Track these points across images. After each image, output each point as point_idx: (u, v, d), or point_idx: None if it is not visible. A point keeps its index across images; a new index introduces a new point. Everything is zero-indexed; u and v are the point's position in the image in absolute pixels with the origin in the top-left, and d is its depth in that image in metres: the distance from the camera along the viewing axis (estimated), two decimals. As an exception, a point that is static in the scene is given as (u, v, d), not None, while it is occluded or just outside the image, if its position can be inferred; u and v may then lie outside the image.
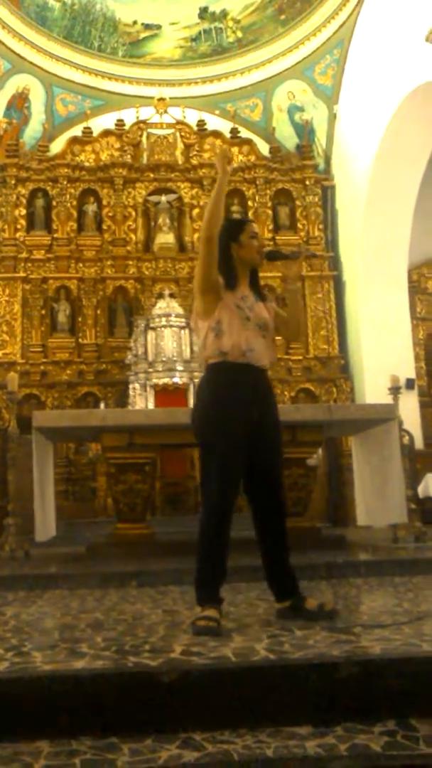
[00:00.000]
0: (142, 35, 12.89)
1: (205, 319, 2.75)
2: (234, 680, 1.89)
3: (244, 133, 12.86)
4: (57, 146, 12.45)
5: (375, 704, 1.86)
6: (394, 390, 5.74)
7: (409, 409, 9.47)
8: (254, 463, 2.69)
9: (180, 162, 12.52)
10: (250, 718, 1.83)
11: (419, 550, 4.87)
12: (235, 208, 12.48)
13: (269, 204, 12.46)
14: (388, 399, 5.82)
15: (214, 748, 1.69)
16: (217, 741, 1.74)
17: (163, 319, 11.30)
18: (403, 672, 1.92)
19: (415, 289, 11.64)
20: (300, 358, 11.88)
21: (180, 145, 12.64)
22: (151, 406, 10.79)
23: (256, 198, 12.46)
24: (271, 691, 1.87)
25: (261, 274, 3.03)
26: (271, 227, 12.37)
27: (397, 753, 1.64)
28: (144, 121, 12.65)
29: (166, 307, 11.46)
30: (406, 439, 5.88)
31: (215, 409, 2.66)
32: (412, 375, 10.44)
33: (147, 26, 12.79)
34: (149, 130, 12.63)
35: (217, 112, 12.93)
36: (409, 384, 9.97)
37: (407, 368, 10.21)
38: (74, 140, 12.48)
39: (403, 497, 5.04)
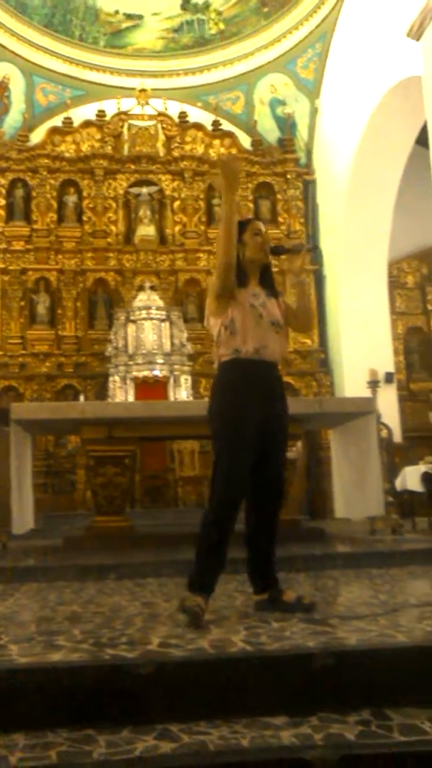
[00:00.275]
0: (124, 25, 12.80)
1: (218, 317, 2.78)
2: (210, 672, 1.90)
3: (226, 125, 12.83)
4: (37, 136, 12.34)
5: (350, 694, 1.88)
6: (373, 384, 5.78)
7: (388, 402, 9.54)
8: (261, 456, 2.72)
9: (161, 154, 12.47)
10: (226, 709, 1.84)
11: (396, 542, 4.92)
12: (216, 201, 12.47)
13: (250, 197, 12.46)
14: (367, 392, 5.86)
15: (191, 738, 1.70)
16: (194, 732, 1.74)
17: (144, 311, 11.26)
18: (378, 662, 1.94)
19: (394, 283, 11.73)
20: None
21: (161, 137, 12.58)
22: (131, 398, 10.77)
23: (238, 191, 12.43)
24: (247, 682, 1.88)
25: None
26: (252, 221, 12.36)
27: (371, 742, 1.65)
28: (125, 113, 12.57)
29: (147, 299, 11.42)
30: (384, 433, 5.93)
31: (229, 404, 2.70)
32: (391, 369, 10.52)
33: (129, 16, 12.69)
34: (130, 122, 12.55)
35: (198, 104, 12.88)
36: (388, 378, 10.05)
37: (386, 362, 10.28)
38: (54, 130, 12.38)
39: (380, 490, 5.08)
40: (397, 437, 9.23)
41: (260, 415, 2.68)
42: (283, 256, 2.89)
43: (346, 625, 2.29)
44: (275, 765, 1.57)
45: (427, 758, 1.57)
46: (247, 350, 2.71)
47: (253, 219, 3.05)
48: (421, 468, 6.49)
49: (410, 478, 6.58)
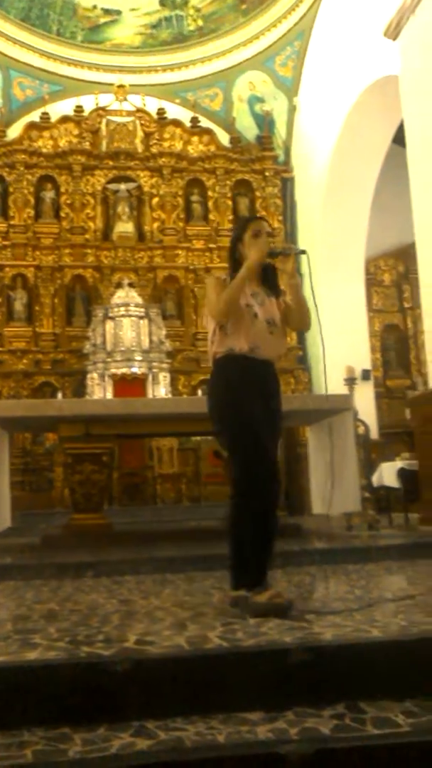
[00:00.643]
0: (102, 20, 12.72)
1: (211, 316, 2.82)
2: (187, 668, 1.90)
3: (204, 122, 12.82)
4: (14, 131, 12.23)
5: (325, 689, 1.90)
6: (350, 381, 5.82)
7: (365, 399, 9.62)
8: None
9: (140, 150, 12.43)
10: (202, 705, 1.84)
11: (372, 538, 4.96)
12: (194, 198, 12.46)
13: (229, 194, 12.47)
14: (344, 389, 5.90)
15: (167, 735, 1.71)
16: (170, 728, 1.75)
17: (122, 308, 11.23)
18: (353, 657, 1.96)
19: (371, 281, 11.81)
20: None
21: (140, 133, 12.54)
22: (109, 396, 10.73)
23: (216, 188, 12.45)
24: (223, 678, 1.89)
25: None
26: (230, 218, 12.38)
27: (346, 735, 1.67)
28: (103, 108, 12.51)
29: (125, 296, 11.39)
30: (361, 429, 5.98)
31: (230, 396, 2.71)
32: (368, 366, 10.59)
33: (107, 11, 12.61)
34: (108, 117, 12.49)
35: (177, 100, 12.86)
36: (365, 375, 10.12)
37: (363, 359, 10.36)
38: (32, 126, 12.28)
39: (357, 486, 5.12)
40: (374, 434, 9.30)
41: (259, 404, 2.70)
42: (275, 259, 2.86)
43: (322, 621, 2.31)
44: (251, 760, 1.58)
45: (399, 750, 1.59)
46: (242, 349, 2.73)
47: (256, 218, 3.02)
48: (398, 464, 6.55)
49: (387, 474, 6.64)
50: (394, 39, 6.78)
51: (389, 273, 12.27)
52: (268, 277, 2.90)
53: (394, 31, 6.73)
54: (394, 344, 12.13)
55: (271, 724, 1.76)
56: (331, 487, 5.07)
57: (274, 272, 2.93)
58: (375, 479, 6.69)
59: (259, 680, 1.90)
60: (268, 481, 2.62)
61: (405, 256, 11.65)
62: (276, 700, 1.86)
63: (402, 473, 6.33)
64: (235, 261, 2.85)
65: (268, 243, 2.83)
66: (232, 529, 2.64)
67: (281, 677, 1.91)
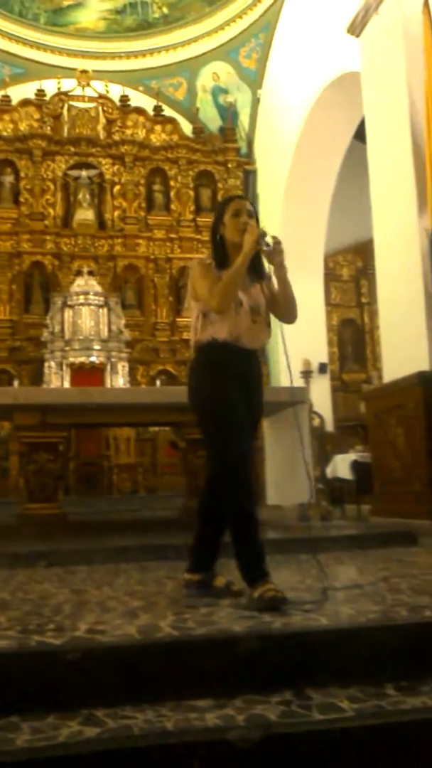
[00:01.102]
0: (66, 3, 12.52)
1: (198, 302, 2.71)
2: (137, 657, 1.92)
3: (168, 111, 12.76)
4: (-28, 113, 11.98)
5: (273, 676, 1.93)
6: (306, 374, 5.89)
7: (321, 392, 9.74)
8: None
9: (102, 137, 12.31)
10: (152, 693, 1.86)
11: (325, 528, 5.04)
12: (157, 187, 12.40)
13: (191, 185, 12.45)
14: (301, 382, 5.96)
15: (115, 723, 1.72)
16: (119, 716, 1.76)
17: (81, 296, 11.14)
18: (301, 645, 2.00)
19: (330, 276, 11.93)
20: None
21: (102, 120, 12.42)
22: (67, 385, 10.65)
23: (179, 178, 12.41)
24: (173, 666, 1.91)
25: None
26: (192, 208, 12.36)
27: (291, 721, 1.71)
28: (66, 93, 12.34)
29: (85, 284, 11.29)
30: (317, 421, 6.06)
31: (210, 381, 2.65)
32: (325, 360, 10.70)
33: (71, -6, 12.43)
34: (71, 103, 12.34)
35: (140, 88, 12.76)
36: (322, 368, 10.24)
37: (321, 353, 10.46)
38: (-9, 108, 12.06)
39: (311, 478, 5.19)
40: (329, 426, 9.43)
41: (241, 393, 2.65)
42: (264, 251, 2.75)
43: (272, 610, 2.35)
44: (198, 746, 1.60)
45: (342, 733, 1.64)
46: (224, 337, 2.66)
47: (236, 197, 2.88)
48: (351, 456, 6.67)
49: (341, 466, 6.75)
50: (357, 36, 6.84)
51: (348, 268, 12.42)
52: (253, 261, 2.74)
53: (357, 28, 6.78)
54: (350, 338, 12.30)
55: (219, 711, 1.78)
56: (286, 478, 5.13)
57: (259, 255, 2.77)
58: (329, 471, 6.79)
59: (208, 668, 1.93)
60: (241, 469, 2.56)
61: (363, 252, 11.81)
62: (225, 687, 1.89)
63: (355, 465, 6.44)
64: (217, 243, 2.75)
65: (253, 225, 2.67)
66: (199, 513, 2.66)
67: (230, 665, 1.94)
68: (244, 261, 2.62)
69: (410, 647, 2.02)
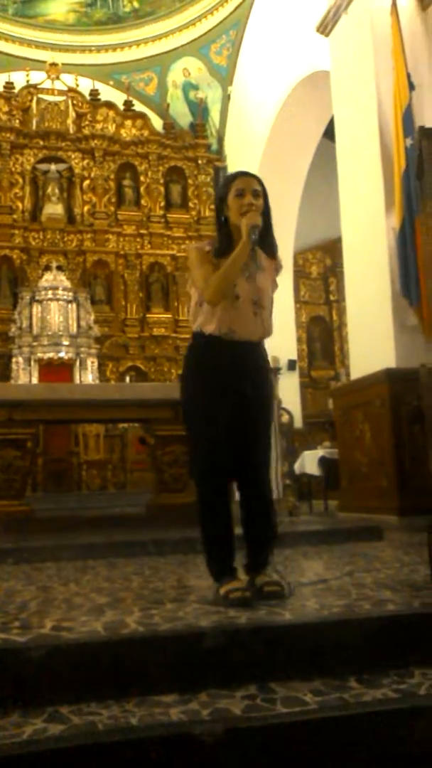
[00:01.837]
0: (35, -6, 12.37)
1: (199, 293, 2.54)
2: (102, 653, 1.92)
3: (138, 106, 12.70)
4: None
5: (239, 671, 1.95)
6: (275, 371, 5.92)
7: (290, 389, 9.79)
8: (236, 441, 2.50)
9: (71, 131, 12.21)
10: (118, 689, 1.87)
11: (292, 524, 5.08)
12: (127, 182, 12.34)
13: (161, 180, 12.41)
14: (269, 380, 5.99)
15: (80, 720, 1.72)
16: (84, 713, 1.77)
17: (50, 292, 11.05)
18: (266, 640, 2.02)
19: (299, 273, 12.00)
20: (188, 336, 11.97)
21: (72, 114, 12.31)
22: (35, 380, 10.56)
23: (149, 174, 12.36)
24: (138, 662, 1.92)
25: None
26: (162, 204, 12.33)
27: (256, 714, 1.73)
28: (35, 86, 12.21)
29: (53, 279, 11.21)
30: (285, 418, 6.10)
31: (193, 386, 2.54)
32: (294, 356, 10.77)
33: (40, -15, 12.29)
34: (40, 96, 12.21)
35: (111, 82, 12.68)
36: (291, 365, 10.29)
37: (290, 350, 10.52)
38: (-42, 99, 11.87)
39: (278, 473, 5.23)
40: (298, 422, 9.49)
41: (226, 393, 2.47)
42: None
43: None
44: (162, 741, 1.61)
45: (304, 726, 1.66)
46: (211, 330, 2.48)
47: (241, 174, 2.59)
48: (319, 452, 6.72)
49: (308, 462, 6.81)
50: (327, 35, 6.88)
51: (317, 266, 12.50)
52: (265, 236, 2.53)
53: (326, 27, 6.82)
54: (319, 335, 12.40)
55: (184, 705, 1.80)
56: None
57: (269, 231, 2.56)
58: (297, 467, 6.84)
59: (174, 664, 1.94)
60: (215, 473, 2.49)
61: (332, 249, 11.89)
62: (190, 682, 1.90)
63: (323, 461, 6.50)
64: (222, 230, 2.54)
65: (256, 207, 2.46)
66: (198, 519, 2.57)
67: (196, 660, 1.95)
68: (243, 251, 2.41)
69: (373, 640, 2.05)
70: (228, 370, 2.49)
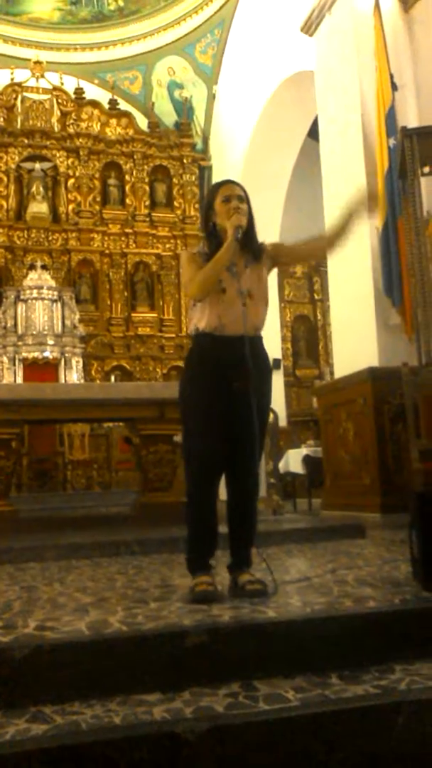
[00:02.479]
0: (19, -8, 12.30)
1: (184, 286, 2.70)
2: (85, 653, 1.92)
3: (123, 105, 12.67)
4: None
5: (221, 669, 1.96)
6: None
7: (275, 387, 9.76)
8: (231, 436, 2.57)
9: (56, 129, 12.16)
10: (101, 688, 1.87)
11: (276, 522, 5.10)
12: (112, 181, 12.31)
13: (146, 179, 12.40)
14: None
15: (63, 719, 1.73)
16: (67, 713, 1.77)
17: (35, 291, 11.01)
18: (248, 638, 2.03)
19: (284, 272, 12.03)
20: (173, 336, 11.99)
21: (56, 112, 12.26)
22: (19, 380, 10.52)
23: (134, 173, 12.34)
24: (121, 661, 1.93)
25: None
26: (147, 203, 12.32)
27: (238, 712, 1.74)
28: (19, 84, 12.15)
29: (38, 279, 11.16)
30: (270, 417, 6.11)
31: (188, 387, 2.64)
32: (279, 355, 10.80)
33: (24, -17, 12.22)
34: (24, 94, 12.15)
35: (96, 81, 12.64)
36: (276, 364, 10.31)
37: (274, 349, 10.53)
38: None
39: (263, 472, 5.24)
40: (283, 421, 9.53)
41: (222, 390, 2.54)
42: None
43: (220, 603, 2.38)
44: (146, 739, 1.62)
45: (286, 722, 1.68)
46: (205, 327, 2.59)
47: (227, 182, 2.75)
48: (303, 451, 6.75)
49: (293, 460, 6.84)
50: (311, 35, 6.91)
51: (301, 265, 12.53)
52: (249, 242, 2.67)
53: (310, 27, 6.85)
54: (304, 335, 12.44)
55: (167, 704, 1.81)
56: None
57: (253, 231, 2.70)
58: (281, 466, 6.87)
59: (157, 662, 1.95)
60: (208, 468, 2.58)
61: (317, 249, 11.90)
62: (173, 681, 1.91)
63: (307, 460, 6.53)
64: (209, 232, 2.67)
65: (241, 210, 2.59)
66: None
67: (179, 659, 1.96)
68: (228, 249, 2.53)
69: (354, 637, 2.07)
70: (221, 365, 2.56)
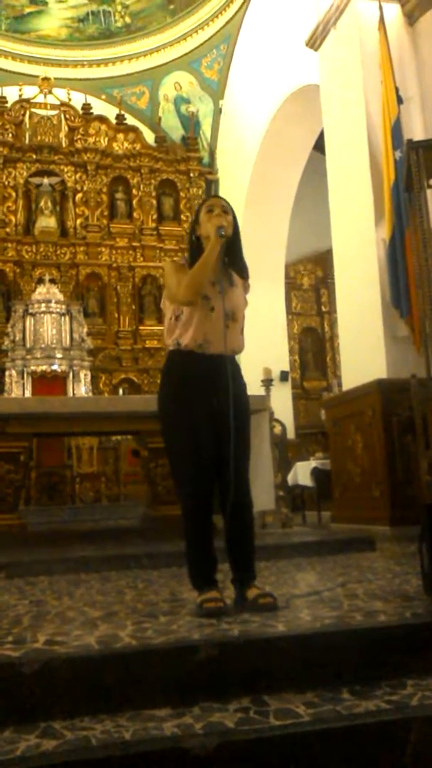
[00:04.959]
0: (27, 10, 12.46)
1: (172, 302, 2.68)
2: (95, 668, 1.92)
3: (130, 120, 12.77)
4: None
5: (232, 683, 1.95)
6: (267, 382, 5.94)
7: (283, 400, 9.82)
8: (217, 452, 2.59)
9: (64, 145, 12.27)
10: (111, 704, 1.87)
11: (285, 535, 5.08)
12: (119, 195, 12.40)
13: (153, 193, 12.47)
14: (261, 390, 6.01)
15: (73, 735, 1.72)
16: (77, 728, 1.76)
17: (43, 305, 11.06)
18: (258, 652, 2.02)
19: (291, 284, 12.06)
20: (180, 348, 12.02)
21: (64, 128, 12.37)
22: (28, 394, 10.54)
23: (141, 187, 12.42)
24: (131, 676, 1.92)
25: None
26: (155, 217, 12.38)
27: (248, 728, 1.73)
28: (27, 100, 12.27)
29: (46, 293, 11.22)
30: (277, 429, 6.11)
31: (169, 402, 2.64)
32: (287, 367, 10.80)
33: (33, 1, 12.38)
34: (33, 110, 12.27)
35: (103, 96, 12.75)
36: (284, 376, 10.33)
37: (282, 361, 10.56)
38: None
39: (271, 485, 5.23)
40: (291, 434, 9.51)
41: (205, 407, 2.58)
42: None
43: (230, 617, 2.37)
44: (155, 755, 1.61)
45: (297, 738, 1.66)
46: (187, 344, 2.61)
47: (212, 196, 2.93)
48: (312, 463, 6.73)
49: (301, 473, 6.82)
50: (316, 49, 6.96)
51: (308, 277, 12.57)
52: (233, 256, 2.72)
53: (316, 42, 6.90)
54: (311, 347, 12.44)
55: (177, 719, 1.79)
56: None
57: (239, 249, 2.74)
58: (290, 478, 6.85)
59: (167, 677, 1.94)
60: (198, 485, 2.57)
61: (323, 261, 11.97)
62: (183, 696, 1.90)
63: (315, 472, 6.51)
64: (193, 246, 2.73)
65: (229, 219, 2.65)
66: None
67: (189, 674, 1.95)
68: (212, 250, 2.57)
69: (365, 652, 2.06)
70: (203, 383, 2.60)
